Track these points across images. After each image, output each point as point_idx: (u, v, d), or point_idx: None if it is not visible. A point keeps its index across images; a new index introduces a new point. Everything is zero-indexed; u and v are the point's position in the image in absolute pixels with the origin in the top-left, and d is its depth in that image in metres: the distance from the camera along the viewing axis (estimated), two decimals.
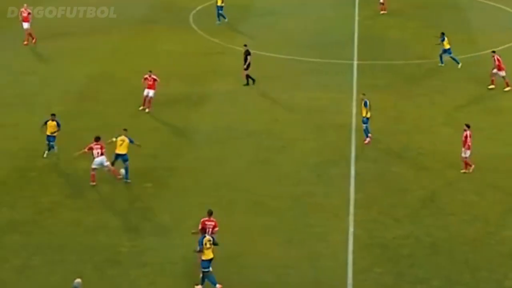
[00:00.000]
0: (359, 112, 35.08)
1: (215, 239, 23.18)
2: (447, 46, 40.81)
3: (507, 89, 37.66)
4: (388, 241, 25.30)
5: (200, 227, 23.46)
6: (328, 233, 25.75)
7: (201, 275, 22.71)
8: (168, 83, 38.82)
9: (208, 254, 22.63)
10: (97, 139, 28.84)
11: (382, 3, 51.39)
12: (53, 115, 31.15)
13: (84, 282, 21.19)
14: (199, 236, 23.04)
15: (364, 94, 33.24)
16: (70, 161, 30.26)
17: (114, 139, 29.02)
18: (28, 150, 31.42)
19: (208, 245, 22.61)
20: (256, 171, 30.04)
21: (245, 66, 38.26)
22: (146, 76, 35.22)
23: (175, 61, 42.48)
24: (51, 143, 30.77)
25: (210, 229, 23.47)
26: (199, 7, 52.68)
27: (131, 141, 28.97)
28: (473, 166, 29.65)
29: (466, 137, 29.34)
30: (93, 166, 28.50)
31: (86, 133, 32.91)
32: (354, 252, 24.62)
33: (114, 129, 33.03)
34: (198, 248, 22.56)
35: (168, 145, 32.14)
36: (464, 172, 29.64)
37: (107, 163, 28.62)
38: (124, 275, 23.41)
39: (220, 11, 48.79)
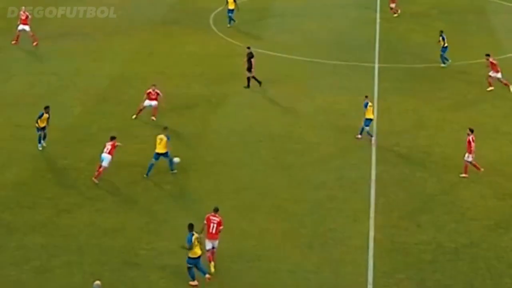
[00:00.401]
0: (380, 115, 35.02)
1: (201, 236, 23.18)
2: (443, 44, 41.49)
3: (490, 88, 37.90)
4: (410, 247, 25.12)
5: (205, 222, 23.76)
6: (348, 238, 25.61)
7: (193, 268, 22.94)
8: (187, 84, 38.92)
9: (196, 252, 22.77)
10: (112, 138, 29.41)
11: (392, 8, 50.87)
12: (47, 107, 31.63)
13: (103, 284, 21.22)
14: (204, 231, 23.51)
15: (366, 97, 33.45)
16: (89, 163, 30.32)
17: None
18: (47, 152, 31.52)
19: (196, 243, 22.72)
20: (276, 174, 29.94)
21: (252, 70, 37.95)
22: (150, 90, 34.62)
23: (195, 62, 42.49)
24: (44, 132, 31.39)
25: (215, 225, 23.68)
26: (219, 9, 52.59)
27: (168, 139, 29.37)
28: (482, 169, 29.55)
29: (469, 141, 29.31)
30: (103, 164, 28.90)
31: (106, 134, 32.98)
32: (375, 257, 24.45)
33: (134, 130, 33.24)
34: (187, 246, 22.69)
35: (187, 147, 32.09)
36: (464, 177, 29.49)
37: (105, 164, 28.81)
38: (143, 277, 23.40)
39: (230, 14, 48.26)
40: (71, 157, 31.00)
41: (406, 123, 34.62)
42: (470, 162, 29.49)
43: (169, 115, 34.98)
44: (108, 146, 29.17)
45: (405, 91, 38.46)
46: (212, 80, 39.67)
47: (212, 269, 23.49)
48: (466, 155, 29.45)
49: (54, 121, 33.81)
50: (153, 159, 29.26)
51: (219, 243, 23.87)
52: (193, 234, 22.77)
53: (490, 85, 38.07)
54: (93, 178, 28.87)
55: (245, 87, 38.26)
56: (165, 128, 29.91)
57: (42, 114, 31.43)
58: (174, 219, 26.62)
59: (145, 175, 29.26)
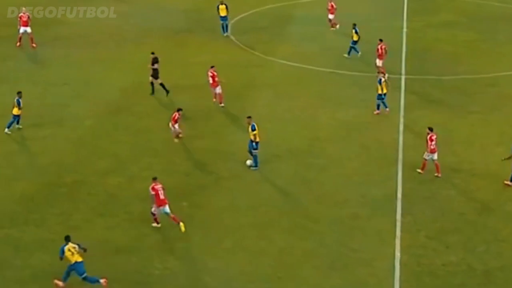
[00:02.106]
0: (406, 129, 35.13)
1: (81, 245, 24.07)
2: (355, 38, 44.46)
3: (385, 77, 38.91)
4: (438, 269, 25.12)
5: (152, 192, 26.68)
6: (372, 259, 25.65)
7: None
8: (202, 96, 39.15)
9: (72, 259, 23.71)
10: (178, 109, 33.54)
11: (330, 20, 50.80)
12: (19, 92, 34.29)
13: None
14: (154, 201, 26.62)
15: (379, 73, 36.84)
16: (100, 177, 30.61)
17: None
18: (56, 165, 31.80)
19: (72, 251, 23.75)
20: (296, 191, 30.07)
21: (155, 75, 38.77)
22: (209, 73, 37.65)
23: None
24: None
25: (162, 191, 26.68)
26: (238, 17, 52.99)
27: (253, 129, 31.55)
28: (440, 173, 31.01)
29: (431, 140, 30.82)
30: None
31: (118, 146, 33.45)
32: (401, 279, 24.46)
33: (147, 144, 33.51)
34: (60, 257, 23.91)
35: (203, 162, 32.30)
36: (437, 176, 30.89)
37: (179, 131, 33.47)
38: None
39: (223, 22, 48.66)
40: (82, 171, 31.24)
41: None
42: (426, 160, 31.08)
43: (182, 128, 35.20)
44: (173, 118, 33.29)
45: (433, 104, 38.51)
46: (228, 92, 39.84)
47: (183, 229, 26.47)
48: (426, 153, 30.99)
49: (65, 133, 34.35)
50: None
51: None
52: (66, 244, 23.75)
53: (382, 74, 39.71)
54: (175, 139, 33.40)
55: (150, 94, 39.04)
56: (249, 117, 32.03)
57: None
58: (189, 236, 26.75)
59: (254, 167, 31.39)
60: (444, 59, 44.99)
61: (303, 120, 36.69)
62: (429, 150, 30.91)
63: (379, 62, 41.35)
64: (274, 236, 26.94)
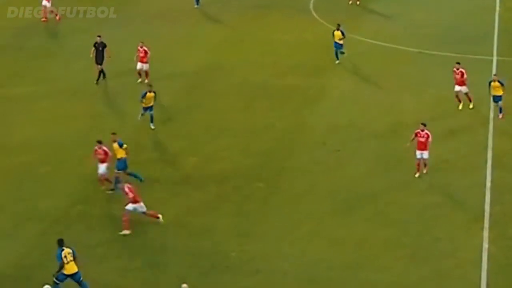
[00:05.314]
0: (497, 114, 34.59)
1: (75, 252, 23.15)
2: (338, 38, 40.55)
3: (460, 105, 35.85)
4: None
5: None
6: (457, 250, 25.54)
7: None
8: (281, 75, 39.40)
9: (70, 268, 22.82)
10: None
11: None
12: (150, 85, 34.19)
13: None
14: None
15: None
16: (177, 155, 31.19)
17: None
18: (130, 144, 32.22)
19: (69, 258, 22.86)
20: (378, 177, 30.07)
21: (100, 60, 38.71)
22: (138, 47, 38.24)
23: (292, 51, 42.91)
24: (150, 112, 33.61)
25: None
26: None
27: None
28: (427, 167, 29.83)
29: (427, 137, 29.50)
30: None
31: (194, 127, 33.98)
32: (488, 272, 24.30)
33: (223, 123, 33.92)
34: (58, 264, 22.74)
35: (282, 144, 32.58)
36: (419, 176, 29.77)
37: None
38: (233, 282, 23.99)
39: None
40: (158, 149, 31.93)
41: None
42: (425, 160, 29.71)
43: (261, 108, 35.52)
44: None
45: None
46: (309, 71, 40.01)
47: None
48: (420, 152, 29.58)
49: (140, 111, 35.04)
50: None
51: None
52: (62, 250, 22.92)
53: (460, 101, 35.82)
54: None
55: (97, 81, 38.98)
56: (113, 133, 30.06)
57: (145, 93, 33.45)
58: (266, 220, 27.18)
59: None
60: None
61: (387, 102, 36.54)
62: (425, 147, 29.50)
63: (461, 88, 35.61)
64: (354, 223, 27.07)
